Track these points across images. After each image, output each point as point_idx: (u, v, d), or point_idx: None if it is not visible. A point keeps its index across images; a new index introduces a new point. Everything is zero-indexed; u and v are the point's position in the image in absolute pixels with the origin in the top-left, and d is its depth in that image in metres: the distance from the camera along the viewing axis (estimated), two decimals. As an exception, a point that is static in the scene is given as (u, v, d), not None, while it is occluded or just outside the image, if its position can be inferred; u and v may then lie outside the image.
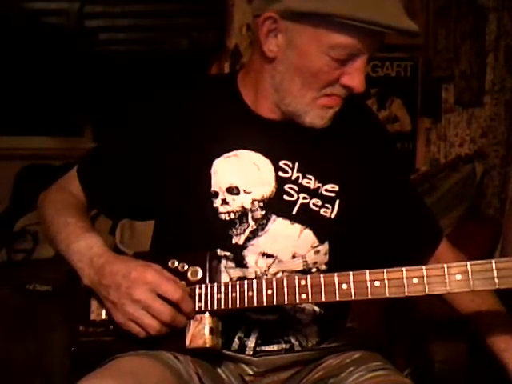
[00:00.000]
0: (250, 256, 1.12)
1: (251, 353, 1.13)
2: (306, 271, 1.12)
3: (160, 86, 1.23)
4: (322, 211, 1.14)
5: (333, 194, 1.15)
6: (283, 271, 1.12)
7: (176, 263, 1.09)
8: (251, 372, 1.14)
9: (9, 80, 2.79)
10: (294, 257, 1.12)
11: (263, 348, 1.14)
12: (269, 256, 1.12)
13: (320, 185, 1.15)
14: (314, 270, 1.13)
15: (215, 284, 1.06)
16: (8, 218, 2.56)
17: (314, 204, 1.14)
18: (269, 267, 1.11)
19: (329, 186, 1.15)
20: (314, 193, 1.14)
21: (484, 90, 2.55)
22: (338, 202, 1.15)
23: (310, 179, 1.14)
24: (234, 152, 1.14)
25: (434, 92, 2.63)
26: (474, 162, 2.48)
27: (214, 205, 1.12)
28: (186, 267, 1.08)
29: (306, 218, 1.13)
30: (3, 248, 2.41)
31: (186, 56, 2.79)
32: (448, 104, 2.62)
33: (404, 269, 0.98)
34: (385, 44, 1.09)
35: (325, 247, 1.14)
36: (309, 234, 1.13)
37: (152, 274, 1.04)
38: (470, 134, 2.59)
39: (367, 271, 0.99)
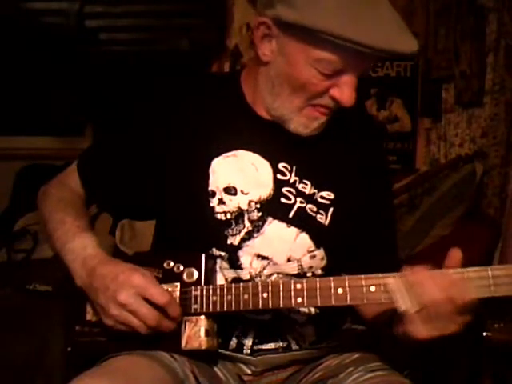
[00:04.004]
0: (244, 257, 1.11)
1: (249, 351, 1.13)
2: (300, 275, 1.11)
3: (160, 83, 1.23)
4: (318, 217, 1.13)
5: (327, 202, 1.14)
6: (278, 273, 1.11)
7: (171, 264, 1.08)
8: (249, 371, 1.14)
9: (9, 80, 2.79)
10: (289, 260, 1.12)
11: (260, 346, 1.14)
12: (264, 258, 1.11)
13: (316, 191, 1.14)
14: (309, 274, 1.12)
15: (211, 286, 1.06)
16: (8, 218, 2.56)
17: (310, 209, 1.13)
18: (263, 269, 1.11)
19: (324, 193, 1.14)
20: (309, 198, 1.13)
21: (484, 90, 2.54)
22: (331, 210, 1.14)
23: (306, 184, 1.14)
24: (234, 152, 1.13)
25: (434, 92, 2.62)
26: (474, 161, 2.47)
27: (211, 204, 1.12)
28: (181, 268, 1.08)
29: (303, 221, 1.12)
30: (3, 248, 2.41)
31: (186, 56, 2.79)
32: (448, 104, 2.61)
33: None
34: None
35: (321, 252, 1.13)
36: (305, 238, 1.12)
37: (139, 278, 1.03)
38: (470, 134, 2.58)
39: (363, 276, 0.98)
